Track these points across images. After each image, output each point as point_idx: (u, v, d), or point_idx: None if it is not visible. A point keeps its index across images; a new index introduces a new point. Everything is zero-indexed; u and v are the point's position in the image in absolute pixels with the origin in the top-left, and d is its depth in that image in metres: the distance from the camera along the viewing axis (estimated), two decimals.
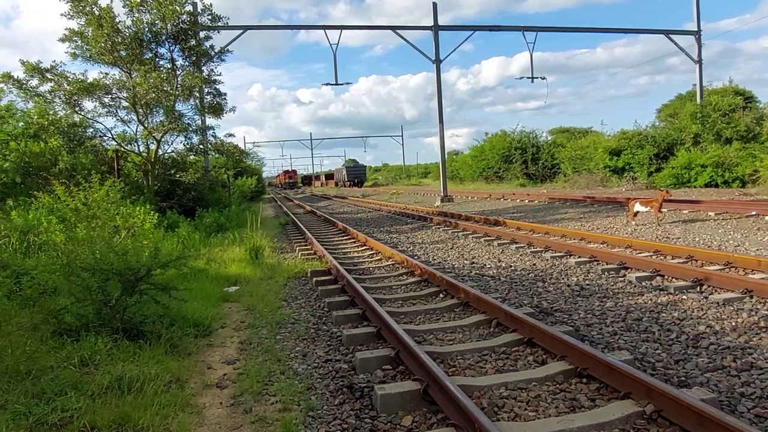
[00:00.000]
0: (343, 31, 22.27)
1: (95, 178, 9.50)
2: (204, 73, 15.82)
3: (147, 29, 14.44)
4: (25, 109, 14.71)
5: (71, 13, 13.51)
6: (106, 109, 14.57)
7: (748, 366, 3.80)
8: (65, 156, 13.57)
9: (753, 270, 6.42)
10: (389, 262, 8.75)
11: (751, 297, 5.40)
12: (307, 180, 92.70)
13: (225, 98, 16.60)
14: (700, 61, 24.71)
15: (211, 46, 16.20)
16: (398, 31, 22.87)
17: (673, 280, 6.33)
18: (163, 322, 4.86)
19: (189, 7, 15.14)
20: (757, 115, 23.32)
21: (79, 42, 13.98)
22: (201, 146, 16.58)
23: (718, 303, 5.34)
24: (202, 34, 16.02)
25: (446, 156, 25.86)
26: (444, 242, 10.99)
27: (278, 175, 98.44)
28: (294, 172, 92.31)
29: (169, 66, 15.31)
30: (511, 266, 8.00)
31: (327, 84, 29.91)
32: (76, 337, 4.40)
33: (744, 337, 4.39)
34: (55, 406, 3.27)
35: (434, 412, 3.36)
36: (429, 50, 23.08)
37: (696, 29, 24.63)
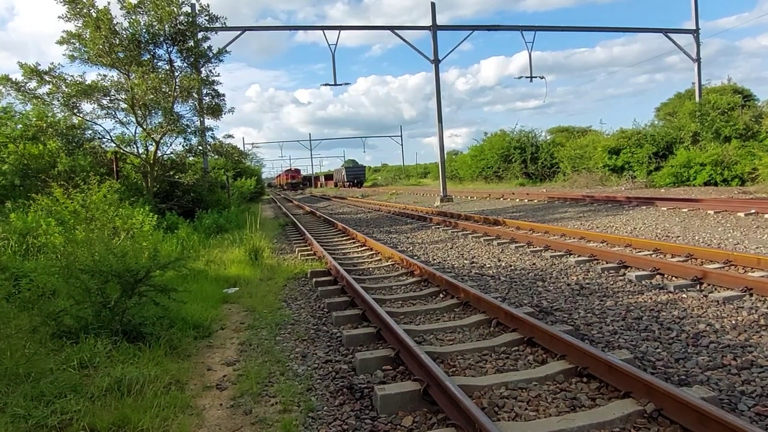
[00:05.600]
0: (342, 31, 22.29)
1: (94, 180, 9.49)
2: (202, 74, 15.82)
3: (144, 31, 14.44)
4: (24, 112, 14.70)
5: (68, 16, 13.50)
6: (104, 111, 14.59)
7: (748, 364, 3.79)
8: (64, 158, 13.58)
9: (753, 268, 6.42)
10: (389, 263, 8.74)
11: (751, 295, 5.40)
12: (308, 180, 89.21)
13: (223, 99, 16.63)
14: (698, 60, 24.72)
15: (209, 47, 16.21)
16: (397, 31, 22.86)
17: (673, 278, 6.33)
18: (163, 323, 4.85)
19: (186, 9, 15.13)
20: (756, 113, 23.35)
21: (77, 44, 13.97)
22: (200, 147, 16.57)
23: (718, 301, 5.34)
24: (200, 35, 16.01)
25: (445, 156, 25.85)
26: (444, 242, 10.99)
27: (279, 176, 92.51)
28: (297, 171, 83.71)
29: (167, 67, 15.31)
30: (510, 266, 7.99)
31: (326, 84, 30.01)
32: (75, 339, 4.39)
33: (744, 335, 4.39)
34: (55, 408, 3.26)
35: (434, 413, 3.36)
36: (427, 50, 23.12)
37: (694, 28, 24.64)
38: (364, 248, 10.64)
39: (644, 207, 13.85)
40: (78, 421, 3.16)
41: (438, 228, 13.48)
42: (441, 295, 6.29)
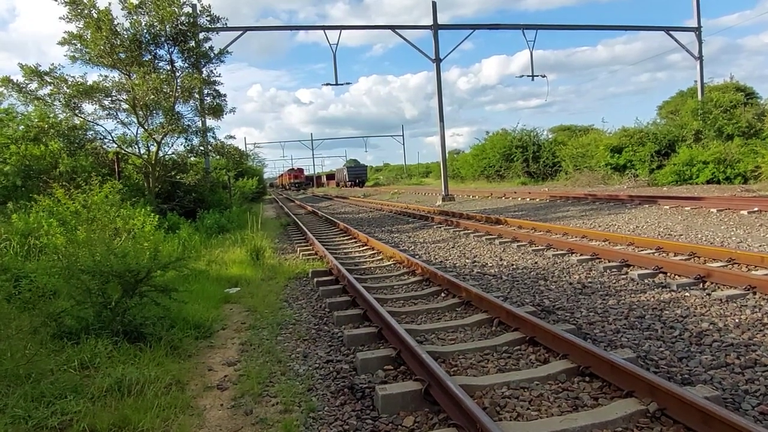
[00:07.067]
0: (343, 31, 22.26)
1: (95, 181, 9.49)
2: (203, 75, 15.81)
3: (145, 31, 14.43)
4: (25, 113, 14.71)
5: (69, 17, 13.50)
6: (106, 112, 14.59)
7: (751, 363, 3.77)
8: (65, 159, 13.59)
9: (756, 266, 6.39)
10: (390, 262, 8.72)
11: (755, 293, 5.37)
12: (310, 180, 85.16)
13: (225, 99, 16.62)
14: (700, 58, 24.64)
15: (211, 48, 16.21)
16: (398, 30, 22.83)
17: (676, 277, 6.29)
18: (164, 323, 4.84)
19: (187, 9, 15.12)
20: (759, 111, 23.25)
21: (78, 45, 13.98)
22: (201, 148, 16.57)
23: (721, 300, 5.31)
24: (201, 35, 16.01)
25: (447, 155, 25.82)
26: (445, 241, 10.97)
27: (281, 175, 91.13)
28: (300, 170, 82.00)
29: (168, 68, 15.31)
30: (512, 265, 7.97)
31: (327, 84, 29.84)
32: (76, 339, 4.39)
33: (747, 333, 4.37)
34: (55, 409, 3.26)
35: (436, 413, 3.34)
36: (429, 49, 23.08)
37: (696, 26, 24.56)
38: (365, 248, 10.63)
39: (646, 205, 13.80)
40: (78, 422, 3.16)
41: (440, 227, 13.46)
42: (442, 295, 6.27)
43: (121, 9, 13.94)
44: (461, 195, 26.46)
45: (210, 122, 17.14)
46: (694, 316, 4.92)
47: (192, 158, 17.12)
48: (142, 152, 15.85)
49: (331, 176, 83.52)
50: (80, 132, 14.42)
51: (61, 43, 13.89)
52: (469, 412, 2.91)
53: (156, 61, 15.13)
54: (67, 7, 13.36)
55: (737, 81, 27.12)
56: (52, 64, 13.87)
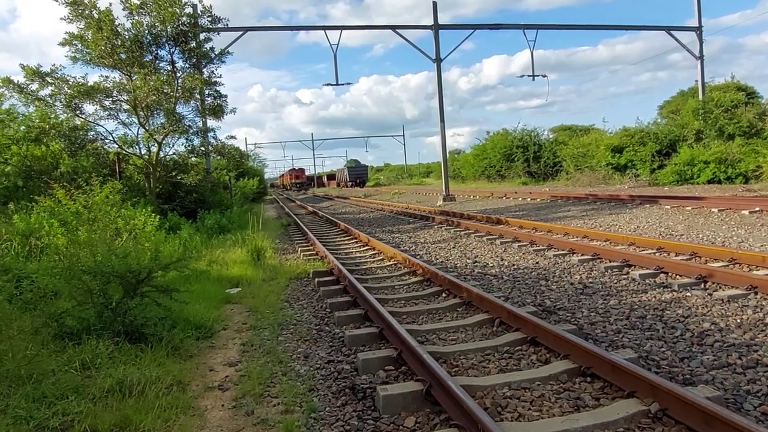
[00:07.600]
0: (343, 31, 22.25)
1: (96, 181, 9.49)
2: (204, 75, 15.82)
3: (147, 32, 14.45)
4: (27, 113, 14.72)
5: (71, 17, 13.53)
6: (107, 112, 14.59)
7: (753, 363, 3.76)
8: (66, 159, 13.59)
9: (757, 266, 6.38)
10: (391, 262, 8.72)
11: (756, 293, 5.36)
12: (312, 180, 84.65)
13: (225, 100, 16.63)
14: (701, 57, 24.62)
15: (212, 48, 16.23)
16: (398, 30, 22.83)
17: (677, 277, 6.29)
18: (165, 324, 4.84)
19: (189, 9, 15.14)
20: (760, 110, 23.25)
21: (79, 45, 14.01)
22: (202, 148, 16.59)
23: (722, 300, 5.30)
24: (202, 36, 16.02)
25: (448, 155, 25.81)
26: (446, 241, 10.97)
27: (281, 175, 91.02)
28: (302, 170, 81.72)
29: (169, 68, 15.33)
30: (513, 265, 7.96)
31: (328, 84, 29.81)
32: (77, 340, 4.39)
33: (749, 333, 4.36)
34: (56, 410, 3.26)
35: (437, 413, 3.34)
36: (429, 49, 23.08)
37: (697, 25, 24.54)
38: (366, 248, 10.62)
39: (648, 205, 13.80)
40: (79, 423, 3.16)
41: (440, 227, 13.45)
42: (443, 295, 6.27)
43: (123, 9, 13.99)
44: (462, 195, 26.45)
45: (211, 123, 17.19)
46: (696, 316, 4.92)
47: (193, 159, 17.15)
48: (143, 153, 15.89)
49: (331, 176, 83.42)
50: (81, 132, 14.44)
51: (62, 44, 13.93)
52: (471, 413, 2.91)
53: (157, 61, 15.17)
54: (68, 7, 13.39)
55: (738, 80, 27.14)
56: (53, 64, 13.85)
